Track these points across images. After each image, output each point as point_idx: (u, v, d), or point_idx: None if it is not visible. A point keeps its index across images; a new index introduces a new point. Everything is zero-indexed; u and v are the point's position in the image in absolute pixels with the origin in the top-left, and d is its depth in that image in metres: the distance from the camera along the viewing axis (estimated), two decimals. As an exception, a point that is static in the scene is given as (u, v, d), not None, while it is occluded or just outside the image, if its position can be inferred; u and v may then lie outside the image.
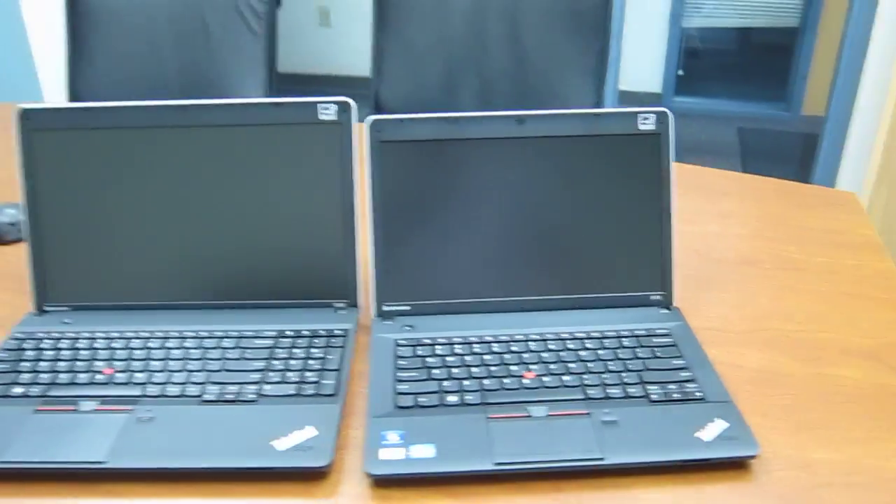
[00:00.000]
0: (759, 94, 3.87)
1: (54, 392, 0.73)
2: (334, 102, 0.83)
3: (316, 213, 0.84)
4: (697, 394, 0.71)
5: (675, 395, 0.71)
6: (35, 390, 0.73)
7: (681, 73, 3.90)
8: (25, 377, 0.75)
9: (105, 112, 0.84)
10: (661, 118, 0.85)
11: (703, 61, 4.00)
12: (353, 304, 0.85)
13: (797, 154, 3.38)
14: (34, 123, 0.84)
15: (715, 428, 0.67)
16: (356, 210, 0.84)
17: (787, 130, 3.63)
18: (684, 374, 0.74)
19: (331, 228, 0.84)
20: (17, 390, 0.73)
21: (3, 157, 1.40)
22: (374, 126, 0.83)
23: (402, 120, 0.83)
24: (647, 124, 0.85)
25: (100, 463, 0.65)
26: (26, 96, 2.80)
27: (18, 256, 1.04)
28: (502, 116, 0.84)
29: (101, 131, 0.84)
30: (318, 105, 0.83)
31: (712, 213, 1.13)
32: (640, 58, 3.85)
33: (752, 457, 0.65)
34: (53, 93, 2.78)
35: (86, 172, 0.84)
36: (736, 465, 0.66)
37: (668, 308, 0.85)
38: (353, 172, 0.84)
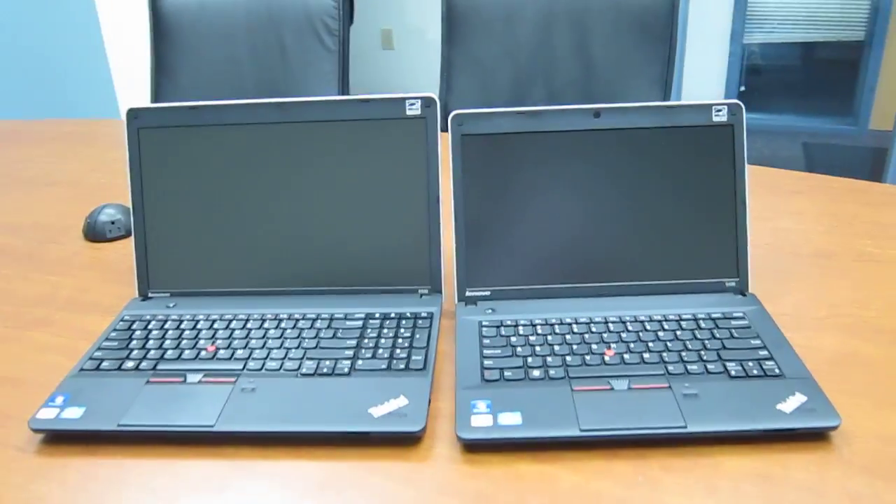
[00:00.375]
0: (824, 109, 3.82)
1: (163, 366, 0.78)
2: (420, 98, 0.88)
3: (401, 204, 0.89)
4: (776, 370, 0.73)
5: (754, 372, 0.73)
6: (145, 365, 0.79)
7: (743, 88, 3.88)
8: (136, 353, 0.80)
9: (206, 110, 0.90)
10: (734, 110, 0.88)
11: (765, 77, 3.98)
12: (437, 290, 0.89)
13: (865, 168, 3.33)
14: (141, 122, 0.91)
15: (795, 401, 0.69)
16: (440, 200, 0.88)
17: (854, 145, 3.58)
18: (762, 353, 0.76)
19: (415, 218, 0.89)
20: (129, 364, 0.79)
21: (99, 165, 1.49)
22: (457, 120, 0.87)
23: (483, 114, 0.87)
24: (720, 116, 0.88)
25: (209, 426, 0.70)
26: (103, 112, 2.95)
27: (118, 252, 1.11)
28: (579, 110, 0.88)
29: (201, 128, 0.90)
30: (406, 101, 0.88)
31: (783, 210, 1.15)
32: (702, 75, 3.85)
33: (834, 427, 0.67)
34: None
35: (187, 167, 0.90)
36: (817, 437, 0.68)
37: (743, 294, 0.86)
38: (437, 165, 0.88)
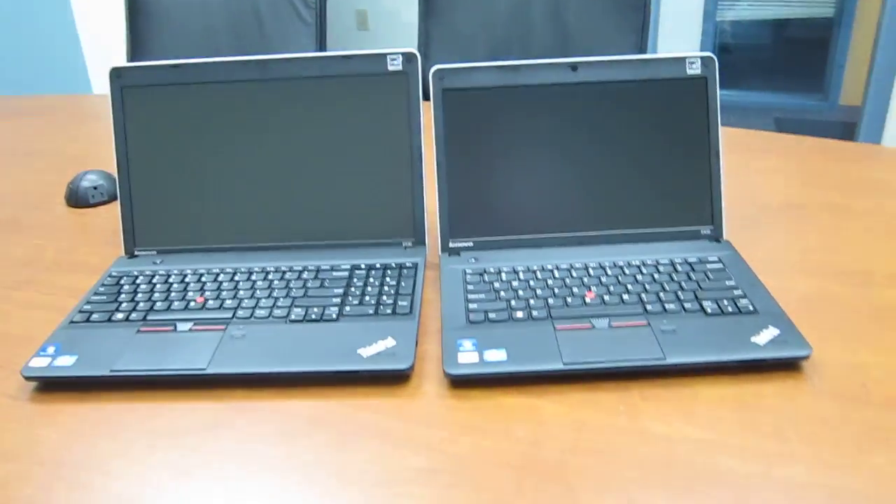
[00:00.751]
0: (795, 86, 3.88)
1: (153, 317, 0.80)
2: (401, 53, 0.89)
3: (384, 158, 0.90)
4: (750, 307, 0.76)
5: (729, 309, 0.76)
6: (135, 316, 0.80)
7: (715, 66, 3.92)
8: (125, 306, 0.82)
9: (189, 68, 0.91)
10: (707, 62, 0.90)
11: (738, 54, 4.02)
12: (421, 243, 0.91)
13: (835, 142, 3.38)
14: (125, 80, 0.91)
15: (768, 334, 0.72)
16: (422, 154, 0.90)
17: (824, 120, 3.64)
18: (737, 292, 0.78)
19: (398, 172, 0.90)
20: (119, 316, 0.80)
21: (77, 136, 1.49)
22: (438, 74, 0.89)
23: (463, 69, 0.89)
24: (693, 68, 0.90)
25: (200, 370, 0.71)
26: (75, 88, 2.92)
27: (102, 217, 1.11)
28: (557, 63, 0.90)
29: (184, 86, 0.91)
30: (387, 56, 0.89)
31: (755, 167, 1.18)
32: (675, 53, 3.88)
33: (805, 357, 0.70)
34: (102, 84, 2.88)
35: (170, 125, 0.91)
36: (789, 367, 0.70)
37: (717, 241, 0.89)
38: (419, 119, 0.90)
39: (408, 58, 0.89)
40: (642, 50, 1.69)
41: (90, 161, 1.35)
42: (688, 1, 3.85)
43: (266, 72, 0.90)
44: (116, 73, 0.91)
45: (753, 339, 0.71)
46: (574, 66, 0.90)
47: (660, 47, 3.89)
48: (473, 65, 0.89)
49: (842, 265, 0.88)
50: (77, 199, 1.14)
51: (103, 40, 2.86)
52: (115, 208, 1.13)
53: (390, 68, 0.89)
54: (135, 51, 1.86)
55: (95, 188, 1.15)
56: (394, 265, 0.86)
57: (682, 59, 0.90)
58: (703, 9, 3.89)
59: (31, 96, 1.87)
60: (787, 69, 3.97)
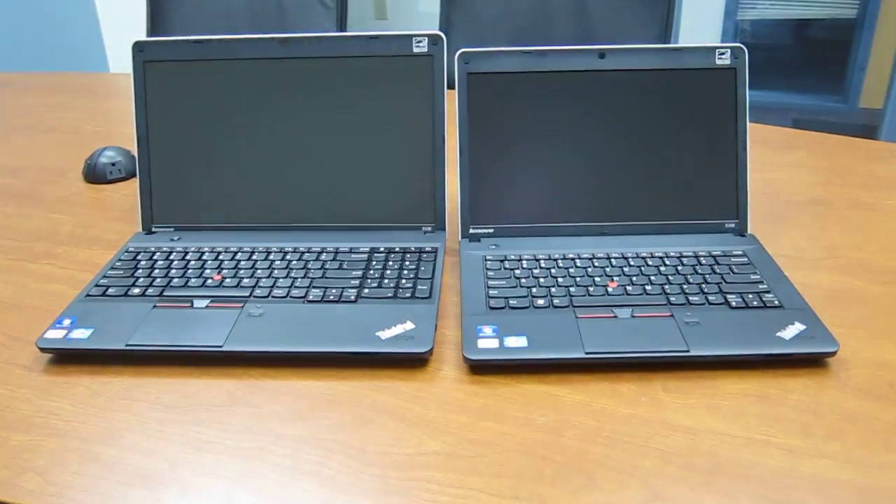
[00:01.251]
0: (815, 87, 3.84)
1: (169, 293, 0.79)
2: (427, 35, 0.88)
3: (407, 141, 0.89)
4: (775, 302, 0.75)
5: (754, 303, 0.74)
6: (152, 291, 0.79)
7: (735, 65, 3.88)
8: (142, 281, 0.81)
9: (212, 44, 0.90)
10: (737, 53, 0.88)
11: (757, 54, 3.99)
12: (441, 228, 0.90)
13: (854, 145, 3.34)
14: (147, 55, 0.91)
15: (794, 329, 0.71)
16: (445, 138, 0.89)
17: (844, 122, 3.60)
18: (762, 287, 0.77)
19: (420, 155, 0.89)
20: (136, 291, 0.79)
21: (95, 114, 1.49)
22: (463, 58, 0.88)
23: (489, 52, 0.88)
24: (723, 59, 0.89)
25: (217, 346, 0.70)
26: (94, 66, 2.92)
27: (120, 193, 1.11)
28: (584, 50, 0.88)
29: (207, 62, 0.90)
30: (413, 38, 0.88)
31: (780, 163, 1.16)
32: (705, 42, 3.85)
33: (832, 353, 0.68)
34: (119, 63, 2.88)
35: (192, 101, 0.91)
36: (815, 363, 0.69)
37: (742, 235, 0.88)
38: (443, 102, 0.89)
39: (433, 40, 0.88)
40: (666, 42, 1.67)
41: (109, 138, 1.35)
42: (709, 1, 3.82)
43: (290, 50, 0.89)
44: (139, 48, 0.91)
45: (779, 333, 0.70)
46: (602, 54, 0.88)
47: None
48: (499, 49, 0.88)
49: (868, 262, 0.87)
50: (95, 174, 1.14)
51: (123, 20, 2.86)
52: (133, 185, 1.12)
53: (416, 50, 0.88)
54: (154, 32, 1.86)
55: (113, 164, 1.14)
56: (413, 249, 0.85)
57: (711, 50, 0.89)
58: (724, 8, 3.86)
59: (51, 73, 1.87)
60: (807, 70, 3.93)
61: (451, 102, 0.87)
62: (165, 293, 0.79)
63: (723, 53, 0.89)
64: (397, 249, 0.85)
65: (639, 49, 0.88)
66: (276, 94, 0.90)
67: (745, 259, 0.82)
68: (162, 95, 0.91)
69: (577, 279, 0.79)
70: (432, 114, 0.89)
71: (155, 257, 0.85)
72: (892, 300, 0.79)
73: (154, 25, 1.85)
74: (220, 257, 0.85)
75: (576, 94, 0.88)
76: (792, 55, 3.99)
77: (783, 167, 1.14)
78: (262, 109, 0.90)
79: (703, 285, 0.77)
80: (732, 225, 0.88)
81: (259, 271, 0.82)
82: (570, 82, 0.88)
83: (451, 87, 0.88)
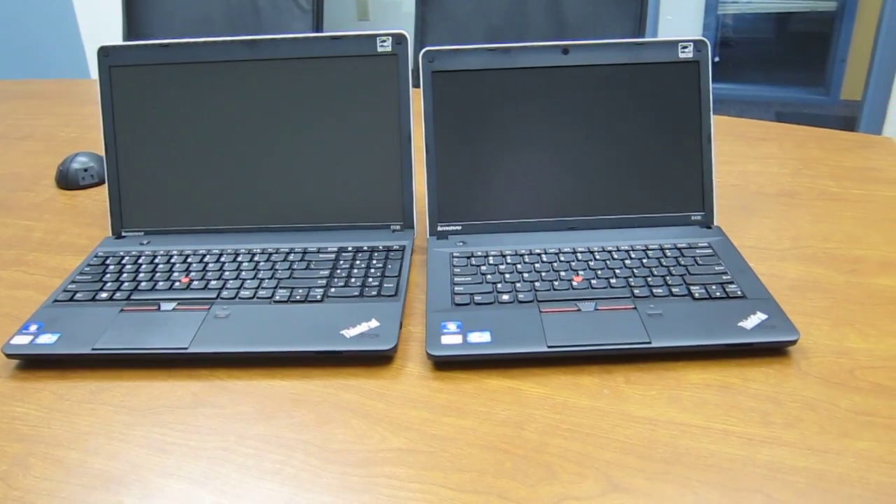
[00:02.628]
0: (796, 80, 3.86)
1: (137, 296, 0.79)
2: (391, 35, 0.88)
3: (373, 141, 0.89)
4: (738, 292, 0.75)
5: (717, 294, 0.75)
6: (119, 295, 0.79)
7: (717, 59, 3.90)
8: (110, 285, 0.81)
9: (177, 48, 0.90)
10: (700, 46, 0.89)
11: (739, 48, 4.01)
12: (409, 226, 0.90)
13: (836, 137, 3.36)
14: (112, 59, 0.91)
15: (756, 319, 0.71)
16: (412, 137, 0.89)
17: (825, 114, 3.62)
18: (725, 278, 0.78)
19: (387, 155, 0.89)
20: (103, 295, 0.79)
21: (71, 120, 1.49)
22: (427, 56, 0.88)
23: (453, 51, 0.88)
24: (686, 52, 0.89)
25: (182, 349, 0.71)
26: (74, 74, 2.92)
27: (92, 199, 1.11)
28: (548, 46, 0.89)
29: (173, 66, 0.90)
30: (377, 38, 0.88)
31: (750, 155, 1.17)
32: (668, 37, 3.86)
33: (793, 342, 0.69)
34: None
35: (158, 105, 0.91)
36: (777, 353, 0.70)
37: (708, 227, 0.88)
38: (408, 101, 0.89)
39: (397, 39, 0.88)
40: (640, 33, 1.68)
41: (83, 144, 1.35)
42: (690, -6, 3.83)
43: (255, 52, 0.89)
44: (104, 52, 0.91)
45: (740, 323, 0.71)
46: (565, 50, 0.89)
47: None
48: (463, 47, 0.88)
49: (833, 252, 0.88)
50: (67, 180, 1.14)
51: (102, 30, 2.85)
52: (105, 190, 1.12)
53: (380, 50, 0.89)
54: (131, 39, 1.85)
55: (86, 170, 1.14)
56: (381, 248, 0.86)
57: (674, 43, 0.89)
58: (705, 3, 3.87)
59: (27, 80, 1.86)
60: (788, 63, 3.95)
61: (417, 101, 0.87)
62: (133, 297, 0.79)
63: (685, 47, 0.89)
64: (365, 248, 0.86)
65: (602, 44, 0.89)
66: (242, 96, 0.90)
67: (710, 251, 0.83)
68: (129, 100, 0.91)
69: (543, 274, 0.79)
70: (398, 112, 0.89)
71: (123, 261, 0.85)
72: (856, 288, 0.80)
73: (130, 33, 1.85)
74: (189, 260, 0.85)
75: (541, 90, 0.89)
76: (773, 49, 4.01)
77: (753, 159, 1.15)
78: (229, 112, 0.90)
79: (668, 277, 0.78)
80: (699, 217, 0.89)
81: (227, 273, 0.82)
82: (534, 79, 0.89)
83: (417, 85, 0.89)
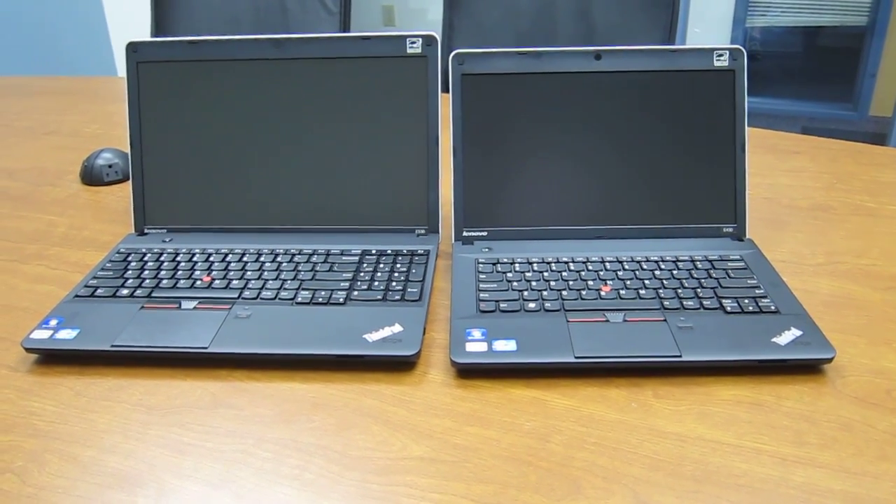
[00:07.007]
0: (824, 94, 3.82)
1: (158, 294, 0.78)
2: (421, 36, 0.87)
3: (400, 143, 0.88)
4: (772, 307, 0.73)
5: (750, 308, 0.73)
6: (140, 292, 0.78)
7: (744, 73, 3.87)
8: (131, 282, 0.80)
9: (206, 45, 0.89)
10: (736, 55, 0.87)
11: (767, 61, 3.97)
12: (434, 230, 0.89)
13: (864, 154, 3.32)
14: (140, 55, 0.90)
15: (790, 335, 0.69)
16: (439, 140, 0.88)
17: (853, 130, 3.58)
18: (758, 292, 0.76)
19: (414, 157, 0.88)
20: (124, 292, 0.79)
21: (97, 117, 1.49)
22: (457, 59, 0.87)
23: (484, 54, 0.87)
24: (721, 61, 0.87)
25: (202, 348, 0.70)
26: (102, 71, 2.94)
27: (115, 195, 1.11)
28: (580, 51, 0.87)
29: (201, 63, 0.90)
30: (407, 39, 0.87)
31: (782, 168, 1.14)
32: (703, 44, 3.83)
33: (828, 360, 0.67)
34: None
35: (185, 102, 0.90)
36: (811, 370, 0.68)
37: (740, 239, 0.86)
38: (437, 104, 0.88)
39: (427, 41, 0.87)
40: (671, 41, 1.66)
41: (108, 141, 1.35)
42: (717, 7, 3.81)
43: (283, 51, 0.89)
44: (133, 48, 0.90)
45: (774, 339, 0.69)
46: (598, 55, 0.87)
47: (688, 52, 3.85)
48: (494, 50, 0.87)
49: (869, 268, 0.85)
50: (91, 176, 1.13)
51: (130, 28, 2.87)
52: (129, 187, 1.11)
53: (409, 51, 0.87)
54: (159, 37, 1.86)
55: (110, 166, 1.14)
56: (405, 251, 0.84)
57: (709, 51, 0.87)
58: (733, 15, 3.85)
59: (55, 77, 1.87)
60: (816, 77, 3.91)
61: (446, 104, 0.86)
62: (154, 294, 0.78)
63: (721, 55, 0.87)
64: (389, 252, 0.84)
65: (636, 50, 0.87)
66: (269, 95, 0.89)
67: (742, 264, 0.81)
68: (155, 96, 0.90)
69: (570, 283, 0.77)
70: (426, 115, 0.88)
71: (145, 258, 0.85)
72: (892, 307, 0.78)
73: (158, 32, 1.85)
74: (211, 259, 0.84)
75: (571, 95, 0.87)
76: (802, 63, 3.97)
77: (786, 172, 1.13)
78: (256, 110, 0.89)
79: (699, 290, 0.76)
80: (730, 229, 0.87)
81: (249, 273, 0.81)
82: (565, 84, 0.87)
83: (446, 89, 0.87)
